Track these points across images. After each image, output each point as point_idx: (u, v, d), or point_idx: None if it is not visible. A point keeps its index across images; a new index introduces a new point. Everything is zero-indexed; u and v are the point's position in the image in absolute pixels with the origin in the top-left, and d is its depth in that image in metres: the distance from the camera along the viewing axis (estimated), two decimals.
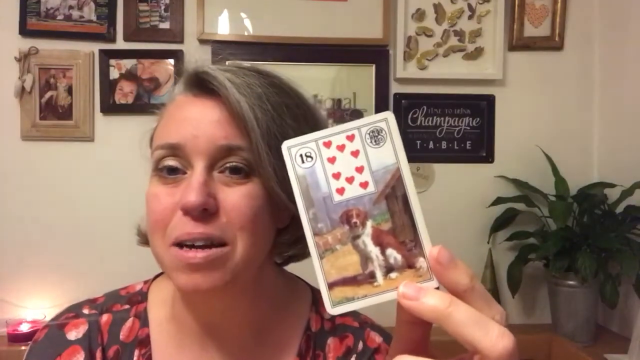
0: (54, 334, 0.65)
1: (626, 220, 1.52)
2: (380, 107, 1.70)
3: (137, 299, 0.68)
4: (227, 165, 0.56)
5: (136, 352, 0.64)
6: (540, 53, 1.79)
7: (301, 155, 0.37)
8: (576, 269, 1.46)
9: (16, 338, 1.49)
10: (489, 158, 1.79)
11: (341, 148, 0.37)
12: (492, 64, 1.76)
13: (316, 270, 0.36)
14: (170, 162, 0.57)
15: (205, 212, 0.54)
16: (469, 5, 1.75)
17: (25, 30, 1.64)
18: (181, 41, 1.69)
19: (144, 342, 0.64)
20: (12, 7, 1.63)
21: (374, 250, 0.36)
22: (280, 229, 0.62)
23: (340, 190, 0.37)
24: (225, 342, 0.63)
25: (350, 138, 0.37)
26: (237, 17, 1.69)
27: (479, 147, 1.79)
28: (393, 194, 0.36)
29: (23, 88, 1.63)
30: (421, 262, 0.36)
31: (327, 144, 0.37)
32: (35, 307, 1.61)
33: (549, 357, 1.58)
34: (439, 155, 1.76)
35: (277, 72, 0.63)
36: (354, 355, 0.66)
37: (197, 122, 0.57)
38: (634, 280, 1.45)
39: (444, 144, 1.78)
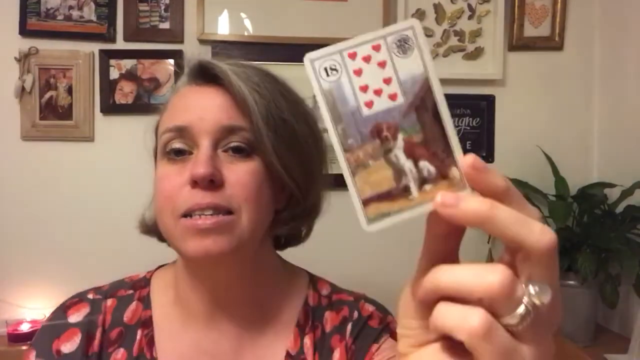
0: (57, 317, 0.70)
1: (626, 220, 1.52)
2: None
3: (141, 284, 0.73)
4: (230, 145, 0.62)
5: (139, 332, 0.68)
6: (540, 53, 1.79)
7: (325, 69, 0.36)
8: (576, 269, 1.46)
9: (16, 338, 1.49)
10: (489, 158, 1.79)
11: (367, 59, 0.35)
12: (492, 64, 1.76)
13: (349, 187, 0.34)
14: (177, 144, 0.62)
15: (212, 183, 0.59)
16: (469, 5, 1.75)
17: (25, 30, 1.64)
18: (181, 41, 1.68)
19: (147, 323, 0.68)
20: (12, 7, 1.63)
21: (406, 164, 0.35)
22: (278, 210, 0.67)
23: (369, 104, 0.35)
24: (228, 319, 0.67)
25: (377, 48, 0.35)
26: (237, 17, 1.69)
27: (479, 147, 1.79)
28: (423, 105, 0.35)
29: (23, 88, 1.63)
30: (454, 171, 0.34)
31: (352, 55, 0.35)
32: (35, 307, 1.61)
33: None
34: None
35: (270, 70, 0.70)
36: (350, 323, 0.71)
37: (202, 106, 0.63)
38: (634, 280, 1.44)
39: None
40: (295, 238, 0.76)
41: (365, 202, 0.34)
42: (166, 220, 0.61)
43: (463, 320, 0.30)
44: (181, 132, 0.62)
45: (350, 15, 1.71)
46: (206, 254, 0.58)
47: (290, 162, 0.63)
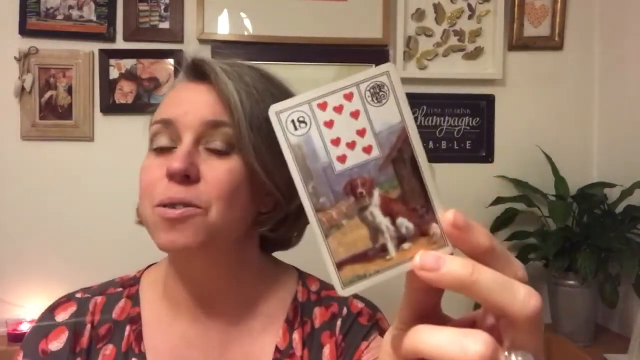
0: (46, 318, 0.70)
1: (626, 220, 1.52)
2: None
3: (131, 283, 0.74)
4: (210, 146, 0.63)
5: (127, 328, 0.69)
6: (540, 53, 1.79)
7: (293, 122, 0.32)
8: (576, 269, 1.46)
9: (16, 338, 1.49)
10: (489, 158, 1.79)
11: (339, 109, 0.33)
12: (492, 64, 1.76)
13: (322, 250, 0.32)
14: (162, 141, 0.64)
15: (187, 179, 0.60)
16: (469, 5, 1.75)
17: (25, 30, 1.64)
18: (181, 41, 1.68)
19: (135, 319, 0.69)
20: (12, 7, 1.63)
21: (383, 222, 0.33)
22: (263, 213, 0.68)
23: (342, 158, 0.32)
24: (216, 314, 0.68)
25: (349, 97, 0.32)
26: (237, 17, 1.69)
27: (479, 147, 1.79)
28: (400, 157, 0.33)
29: (23, 88, 1.63)
30: (434, 228, 0.32)
31: (323, 106, 0.32)
32: (35, 307, 1.61)
33: (548, 357, 1.58)
34: (439, 155, 1.76)
35: (270, 71, 0.71)
36: (340, 319, 0.71)
37: (189, 101, 0.65)
38: (634, 280, 1.44)
39: (444, 144, 1.78)
40: (283, 243, 0.76)
41: (340, 265, 0.32)
42: (144, 210, 0.63)
43: None
44: (167, 125, 0.64)
45: (350, 15, 1.71)
46: (173, 246, 0.60)
47: (272, 164, 0.63)
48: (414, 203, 0.33)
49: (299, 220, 0.71)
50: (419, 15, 1.74)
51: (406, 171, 0.33)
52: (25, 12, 1.63)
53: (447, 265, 0.30)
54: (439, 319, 0.35)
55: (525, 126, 1.79)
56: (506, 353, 0.30)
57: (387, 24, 1.71)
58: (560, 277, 1.56)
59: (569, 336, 1.55)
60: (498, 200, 1.69)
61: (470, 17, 1.75)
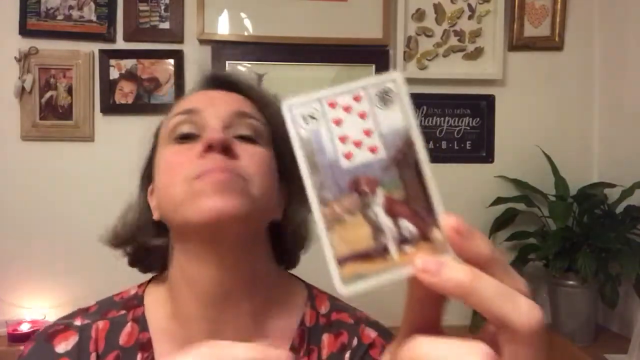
0: (41, 348, 0.64)
1: (626, 220, 1.52)
2: None
3: (133, 303, 0.68)
4: (239, 132, 0.62)
5: (139, 356, 0.63)
6: (540, 53, 1.79)
7: (304, 116, 0.34)
8: (576, 269, 1.46)
9: (16, 338, 1.49)
10: (489, 158, 1.79)
11: (348, 109, 0.34)
12: (492, 64, 1.76)
13: (323, 244, 0.32)
14: (186, 128, 0.61)
15: (226, 152, 0.58)
16: (469, 5, 1.75)
17: (25, 30, 1.64)
18: (181, 41, 1.68)
19: (146, 346, 0.64)
20: (12, 7, 1.63)
21: (386, 222, 0.33)
22: (274, 222, 0.66)
23: (348, 155, 0.33)
24: (225, 333, 0.63)
25: (358, 98, 0.34)
26: (237, 17, 1.69)
27: (479, 147, 1.79)
28: (405, 161, 0.33)
29: (23, 88, 1.63)
30: (436, 233, 0.32)
31: (333, 104, 0.34)
32: (35, 307, 1.61)
33: (548, 357, 1.58)
34: (439, 155, 1.76)
35: None
36: (349, 352, 0.66)
37: (213, 97, 0.64)
38: (634, 280, 1.44)
39: (444, 144, 1.78)
40: (290, 259, 0.73)
41: (341, 261, 0.32)
42: (176, 190, 0.58)
43: None
44: (191, 114, 0.62)
45: (350, 15, 1.71)
46: (220, 213, 0.55)
47: (292, 167, 0.63)
48: (417, 207, 0.33)
49: (298, 238, 0.69)
50: (419, 15, 1.74)
51: (410, 175, 0.33)
52: (25, 12, 1.64)
53: (449, 269, 0.30)
54: (440, 334, 0.34)
55: (525, 126, 1.79)
56: None
57: (387, 24, 1.71)
58: (560, 277, 1.56)
59: (569, 336, 1.55)
60: (498, 200, 1.69)
61: (470, 17, 1.76)
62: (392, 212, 0.33)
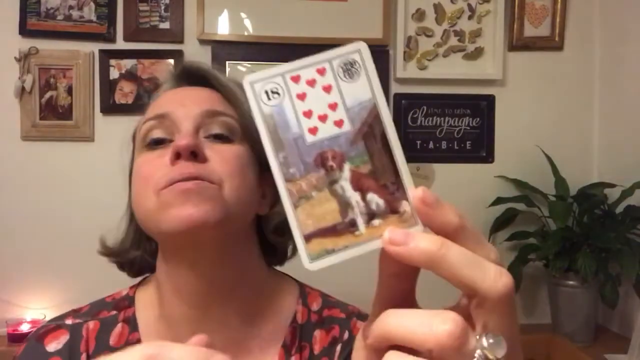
0: (33, 348, 0.64)
1: (626, 220, 1.52)
2: None
3: (125, 304, 0.68)
4: (211, 132, 0.61)
5: None
6: (540, 53, 1.79)
7: (266, 92, 0.33)
8: (576, 269, 1.46)
9: (16, 338, 1.49)
10: (489, 158, 1.79)
11: (311, 83, 0.33)
12: (492, 64, 1.76)
13: (290, 221, 0.32)
14: (158, 133, 0.61)
15: (195, 157, 0.57)
16: (469, 5, 1.75)
17: (25, 30, 1.64)
18: (181, 41, 1.68)
19: None
20: (12, 7, 1.63)
21: (353, 196, 0.32)
22: (260, 216, 0.65)
23: (313, 130, 0.33)
24: (215, 333, 0.62)
25: (321, 72, 0.33)
26: (237, 17, 1.69)
27: (479, 147, 1.79)
28: (371, 133, 0.33)
29: (23, 88, 1.63)
30: (404, 205, 0.32)
31: (296, 79, 0.33)
32: (35, 307, 1.61)
33: (548, 357, 1.58)
34: (439, 155, 1.76)
35: None
36: (340, 345, 0.66)
37: (183, 96, 0.64)
38: (634, 280, 1.44)
39: (444, 144, 1.78)
40: (280, 255, 0.72)
41: (308, 238, 0.32)
42: (146, 202, 0.58)
43: None
44: (162, 119, 0.61)
45: (350, 15, 1.71)
46: (190, 221, 0.54)
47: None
48: (384, 179, 0.32)
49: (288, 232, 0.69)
50: (419, 15, 1.74)
51: (377, 147, 0.33)
52: (25, 12, 1.63)
53: (416, 240, 0.29)
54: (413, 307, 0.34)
55: (525, 126, 1.79)
56: (477, 336, 0.29)
57: (387, 24, 1.71)
58: (560, 277, 1.56)
59: (569, 336, 1.55)
60: (498, 200, 1.69)
61: (470, 17, 1.75)
62: (359, 186, 0.32)
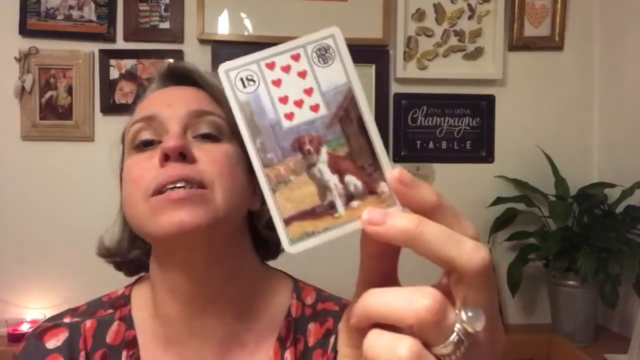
0: (32, 345, 0.65)
1: (626, 220, 1.52)
2: (380, 107, 1.70)
3: (121, 302, 0.69)
4: (199, 132, 0.61)
5: (124, 353, 0.64)
6: (540, 53, 1.79)
7: (242, 79, 0.33)
8: (576, 269, 1.46)
9: (16, 338, 1.49)
10: (489, 158, 1.79)
11: (286, 69, 0.34)
12: (492, 64, 1.76)
13: (269, 206, 0.32)
14: (146, 135, 0.61)
15: (184, 158, 0.57)
16: (469, 5, 1.75)
17: (25, 30, 1.64)
18: (181, 41, 1.69)
19: (131, 344, 0.65)
20: (12, 7, 1.63)
21: (331, 179, 0.33)
22: (252, 212, 0.66)
23: (289, 116, 0.33)
24: (209, 328, 0.64)
25: (296, 57, 0.34)
26: (237, 17, 1.69)
27: (479, 147, 1.79)
28: (347, 116, 0.33)
29: (23, 88, 1.63)
30: (382, 186, 0.33)
31: (271, 65, 0.34)
32: (35, 307, 1.61)
33: (548, 357, 1.58)
34: (439, 155, 1.76)
35: None
36: (333, 336, 0.67)
37: (170, 96, 0.63)
38: (634, 280, 1.45)
39: (444, 144, 1.78)
40: (274, 249, 0.72)
41: (288, 221, 0.32)
42: (137, 207, 0.58)
43: (391, 351, 0.29)
44: (150, 121, 0.61)
45: (350, 15, 1.71)
46: (181, 227, 0.54)
47: None
48: (362, 161, 0.33)
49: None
50: (419, 15, 1.74)
51: (353, 130, 0.33)
52: (25, 12, 1.64)
53: (393, 219, 0.30)
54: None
55: (525, 126, 1.79)
56: (457, 310, 0.30)
57: (387, 24, 1.71)
58: (560, 277, 1.56)
59: (569, 336, 1.55)
60: (498, 200, 1.69)
61: (470, 17, 1.76)
62: (337, 168, 0.33)
